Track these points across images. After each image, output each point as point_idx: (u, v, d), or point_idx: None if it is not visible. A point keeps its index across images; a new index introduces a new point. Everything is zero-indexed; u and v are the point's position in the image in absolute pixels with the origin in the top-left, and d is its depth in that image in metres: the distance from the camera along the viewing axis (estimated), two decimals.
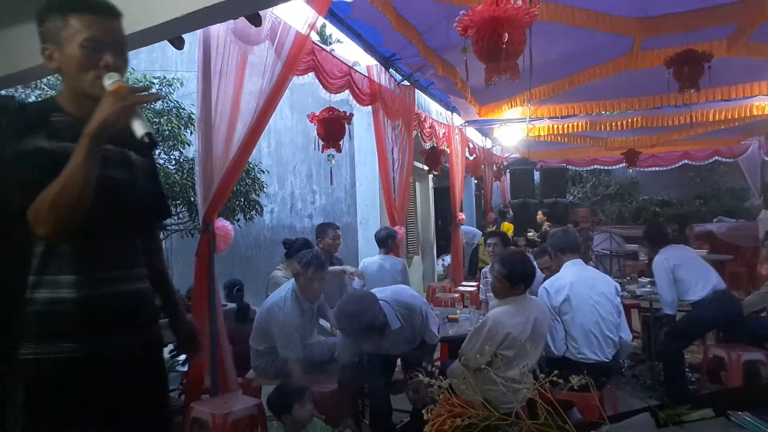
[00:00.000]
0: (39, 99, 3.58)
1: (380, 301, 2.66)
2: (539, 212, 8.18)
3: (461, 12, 2.51)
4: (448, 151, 6.49)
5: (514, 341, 2.45)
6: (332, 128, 3.92)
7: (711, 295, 3.57)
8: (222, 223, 3.12)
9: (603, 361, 2.93)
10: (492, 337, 2.50)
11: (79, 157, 1.17)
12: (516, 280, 2.64)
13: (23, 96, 3.42)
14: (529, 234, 8.06)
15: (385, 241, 4.39)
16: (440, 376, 1.08)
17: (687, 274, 3.65)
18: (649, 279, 5.00)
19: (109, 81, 1.24)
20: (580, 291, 3.00)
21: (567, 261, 3.21)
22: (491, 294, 3.06)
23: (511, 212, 8.98)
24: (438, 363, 3.35)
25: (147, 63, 7.10)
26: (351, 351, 2.86)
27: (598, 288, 3.03)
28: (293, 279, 3.06)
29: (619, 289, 3.16)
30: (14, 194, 1.21)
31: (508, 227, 8.20)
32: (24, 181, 1.21)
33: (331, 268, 3.47)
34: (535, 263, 4.11)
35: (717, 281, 3.66)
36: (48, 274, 1.28)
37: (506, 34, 2.32)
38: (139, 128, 1.20)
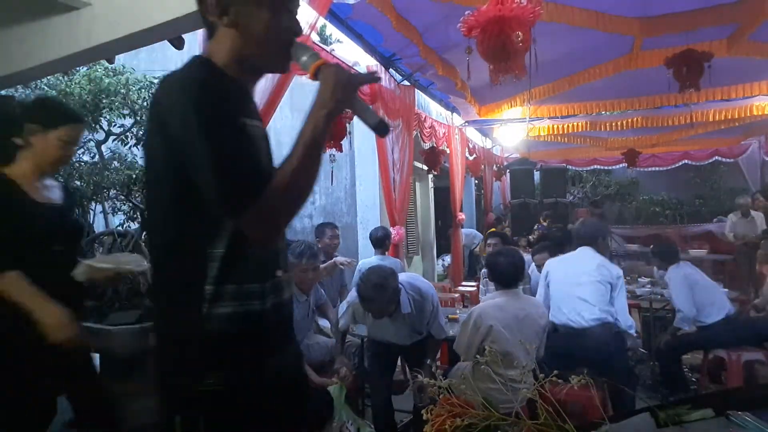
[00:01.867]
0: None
1: None
2: (541, 217, 8.14)
3: (466, 12, 2.52)
4: (448, 151, 6.49)
5: (500, 335, 2.47)
6: (333, 128, 3.92)
7: (724, 322, 3.54)
8: None
9: (581, 324, 3.07)
10: (476, 329, 2.55)
11: (316, 140, 1.01)
12: (497, 274, 2.73)
13: (23, 96, 3.42)
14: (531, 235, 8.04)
15: (382, 241, 4.39)
16: (441, 377, 1.08)
17: (702, 294, 3.61)
18: (649, 279, 5.01)
19: (306, 54, 1.08)
20: (559, 263, 3.40)
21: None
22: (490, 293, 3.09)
23: (504, 222, 8.66)
24: (439, 363, 3.35)
25: (147, 63, 7.10)
26: (354, 318, 2.87)
27: (577, 265, 3.27)
28: None
29: (607, 271, 3.19)
30: (231, 187, 0.96)
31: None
32: (243, 171, 0.98)
33: (322, 265, 3.47)
34: (532, 263, 4.14)
35: (729, 306, 3.64)
36: (232, 283, 1.04)
37: (519, 33, 2.33)
38: (371, 114, 1.04)
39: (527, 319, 2.59)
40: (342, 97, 1.01)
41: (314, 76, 1.05)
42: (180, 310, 1.05)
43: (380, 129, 1.04)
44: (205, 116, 0.96)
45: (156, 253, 1.10)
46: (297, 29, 1.12)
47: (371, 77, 1.13)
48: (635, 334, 3.35)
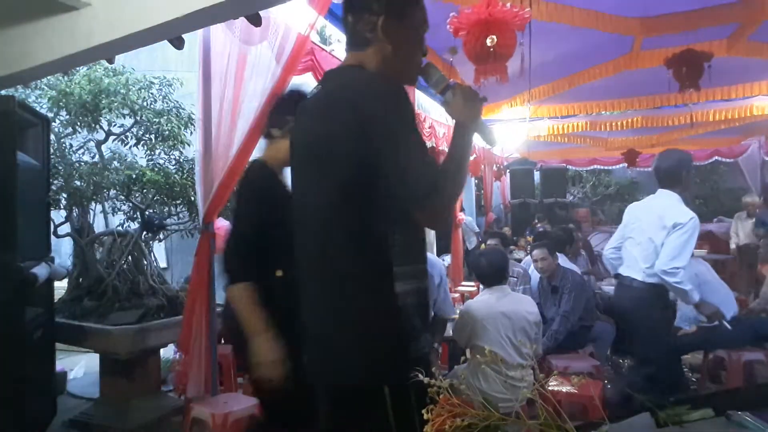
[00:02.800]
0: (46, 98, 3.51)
1: None
2: (536, 218, 8.12)
3: (451, 13, 2.52)
4: None
5: (483, 330, 2.59)
6: None
7: (732, 324, 3.41)
8: (222, 223, 3.12)
9: (624, 280, 2.98)
10: (465, 323, 2.67)
11: (464, 149, 1.22)
12: (478, 273, 2.87)
13: (23, 96, 3.41)
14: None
15: None
16: (441, 376, 1.08)
17: (710, 295, 3.47)
18: None
19: (437, 75, 1.30)
20: (633, 210, 3.17)
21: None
22: None
23: (507, 230, 8.44)
24: (439, 363, 3.35)
25: (147, 63, 7.09)
26: None
27: (643, 216, 3.03)
28: None
29: (660, 223, 2.83)
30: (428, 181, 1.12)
31: None
32: (433, 165, 1.15)
33: None
34: (532, 263, 4.14)
35: (735, 308, 3.56)
36: (409, 264, 1.21)
37: (494, 38, 2.33)
38: (488, 132, 1.31)
39: (514, 315, 2.65)
40: (468, 114, 1.23)
41: (441, 93, 1.29)
42: (375, 290, 1.18)
43: (493, 143, 1.37)
44: (408, 117, 1.17)
45: (340, 243, 1.20)
46: (425, 50, 1.34)
47: (485, 98, 1.31)
48: (678, 284, 2.75)
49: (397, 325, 1.18)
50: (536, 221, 7.88)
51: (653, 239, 2.85)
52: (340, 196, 1.18)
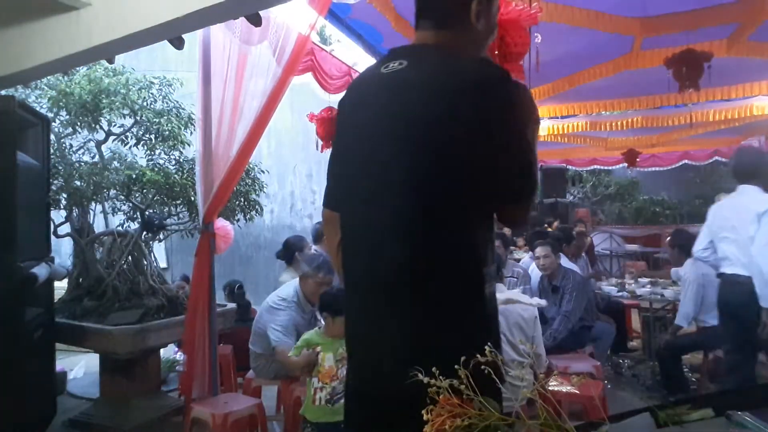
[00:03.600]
0: (39, 97, 3.52)
1: None
2: (555, 224, 8.06)
3: None
4: None
5: None
6: (332, 128, 3.92)
7: None
8: (222, 223, 3.12)
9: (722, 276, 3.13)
10: None
11: (532, 144, 1.15)
12: None
13: (23, 96, 3.41)
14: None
15: None
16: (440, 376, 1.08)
17: (714, 295, 3.45)
18: (650, 279, 5.01)
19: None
20: (719, 210, 3.31)
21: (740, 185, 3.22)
22: None
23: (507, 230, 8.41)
24: None
25: (147, 63, 7.10)
26: None
27: (730, 215, 3.16)
28: (297, 282, 3.07)
29: (754, 217, 2.94)
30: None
31: None
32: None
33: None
34: (532, 263, 4.14)
35: None
36: (489, 265, 1.15)
37: (500, 39, 2.35)
38: None
39: (507, 312, 2.63)
40: (528, 108, 1.17)
41: None
42: (469, 292, 1.11)
43: None
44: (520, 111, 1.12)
45: (434, 241, 1.09)
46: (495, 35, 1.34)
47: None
48: None
49: (491, 327, 1.16)
50: (546, 225, 7.85)
51: (750, 232, 2.97)
52: (446, 189, 1.08)
